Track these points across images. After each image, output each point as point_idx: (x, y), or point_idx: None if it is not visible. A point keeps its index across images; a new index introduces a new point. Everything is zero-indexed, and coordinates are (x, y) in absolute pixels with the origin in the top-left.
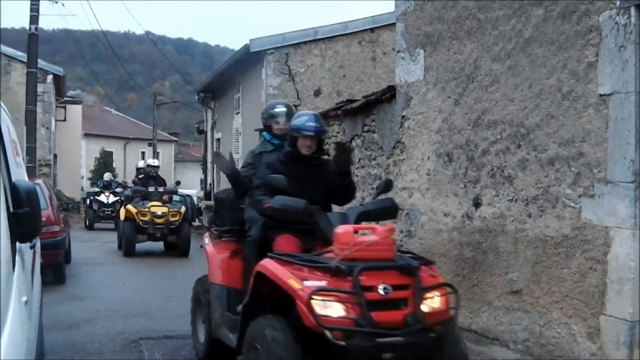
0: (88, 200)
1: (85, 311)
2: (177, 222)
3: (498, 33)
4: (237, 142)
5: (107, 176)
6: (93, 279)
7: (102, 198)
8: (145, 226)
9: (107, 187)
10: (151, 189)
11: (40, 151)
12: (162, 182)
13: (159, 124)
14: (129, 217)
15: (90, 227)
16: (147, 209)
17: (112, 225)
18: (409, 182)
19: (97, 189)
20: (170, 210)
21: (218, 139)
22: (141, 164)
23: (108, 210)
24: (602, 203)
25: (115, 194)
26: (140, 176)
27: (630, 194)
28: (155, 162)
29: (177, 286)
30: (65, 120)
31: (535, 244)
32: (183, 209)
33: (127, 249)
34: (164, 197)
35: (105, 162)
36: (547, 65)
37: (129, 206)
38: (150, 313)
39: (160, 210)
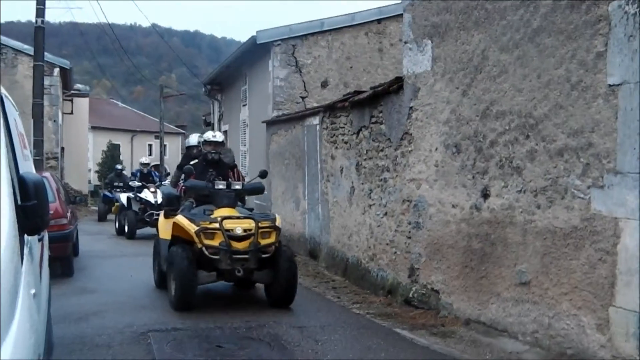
0: (125, 199)
1: (94, 304)
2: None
3: (506, 23)
4: (245, 134)
5: (144, 160)
6: (101, 272)
7: (147, 196)
8: (216, 256)
9: (146, 177)
10: (221, 185)
11: (48, 144)
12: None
13: (165, 117)
14: (180, 237)
15: (131, 236)
16: (216, 225)
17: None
18: (417, 174)
19: (134, 181)
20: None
21: (225, 131)
22: (194, 139)
23: (157, 214)
24: (611, 194)
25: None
26: (193, 162)
27: (639, 184)
28: (218, 137)
29: None
30: (72, 113)
31: (544, 235)
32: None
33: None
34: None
35: (112, 154)
36: (556, 55)
37: (181, 218)
38: (159, 306)
39: (240, 225)
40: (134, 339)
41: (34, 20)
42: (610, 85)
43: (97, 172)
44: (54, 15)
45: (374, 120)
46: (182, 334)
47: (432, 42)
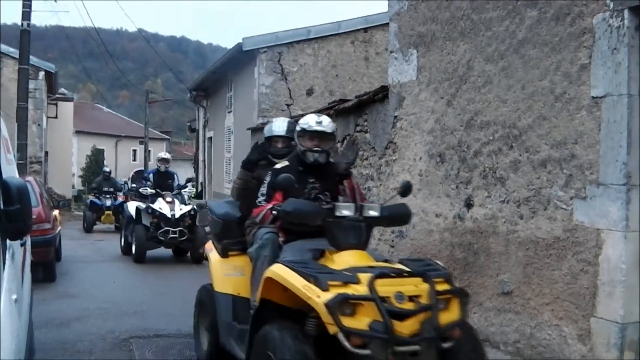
0: (133, 209)
1: (76, 309)
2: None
3: (492, 34)
4: (229, 140)
5: (163, 155)
6: (84, 277)
7: (162, 207)
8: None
9: (164, 179)
10: (346, 211)
11: (32, 148)
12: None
13: (150, 122)
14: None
15: (139, 258)
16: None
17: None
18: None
19: (145, 186)
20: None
21: (210, 138)
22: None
23: (174, 232)
24: (593, 205)
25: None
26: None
27: (622, 196)
28: (327, 125)
29: (168, 285)
30: (56, 117)
31: (527, 245)
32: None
33: None
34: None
35: (96, 159)
36: (540, 67)
37: (284, 269)
38: (141, 312)
39: (402, 288)
40: (116, 345)
41: (19, 23)
42: (593, 98)
43: (81, 176)
44: (40, 18)
45: (358, 128)
46: (164, 341)
47: (417, 52)
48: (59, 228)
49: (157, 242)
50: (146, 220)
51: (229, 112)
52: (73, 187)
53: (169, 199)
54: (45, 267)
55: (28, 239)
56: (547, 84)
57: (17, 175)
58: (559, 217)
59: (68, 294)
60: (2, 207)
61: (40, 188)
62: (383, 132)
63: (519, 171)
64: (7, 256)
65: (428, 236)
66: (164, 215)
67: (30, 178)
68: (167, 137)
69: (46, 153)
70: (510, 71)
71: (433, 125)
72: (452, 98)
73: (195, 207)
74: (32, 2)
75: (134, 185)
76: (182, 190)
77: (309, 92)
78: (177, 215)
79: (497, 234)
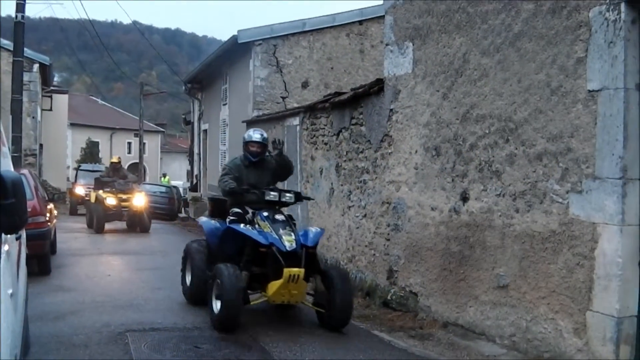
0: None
1: (71, 303)
2: None
3: (487, 27)
4: (224, 133)
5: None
6: (79, 270)
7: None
8: None
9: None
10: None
11: (26, 141)
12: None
13: (145, 114)
14: None
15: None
16: None
17: None
18: (397, 176)
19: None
20: None
21: (205, 130)
22: None
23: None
24: (589, 199)
25: None
26: None
27: (618, 190)
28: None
29: (163, 278)
30: (51, 109)
31: (523, 239)
32: None
33: None
34: None
35: (91, 152)
36: (537, 60)
37: None
38: (137, 305)
39: None
40: (112, 339)
41: (13, 15)
42: (590, 91)
43: (75, 169)
44: (34, 10)
45: (354, 121)
46: (159, 334)
47: (413, 45)
48: (54, 221)
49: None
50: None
51: (224, 104)
52: (68, 179)
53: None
54: (40, 261)
55: (23, 233)
56: (543, 78)
57: (12, 168)
58: (555, 210)
59: (63, 287)
60: None
61: (35, 181)
62: (379, 125)
63: (514, 165)
64: (3, 250)
65: (424, 229)
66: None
67: (25, 171)
68: (162, 129)
69: (41, 146)
70: (506, 64)
71: (429, 118)
72: (448, 91)
73: None
74: None
75: None
76: None
77: (304, 85)
78: None
79: (492, 227)
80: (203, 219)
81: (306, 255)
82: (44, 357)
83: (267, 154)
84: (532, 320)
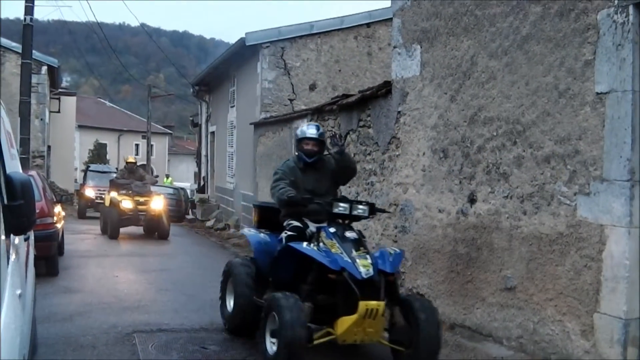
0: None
1: (79, 304)
2: None
3: (495, 30)
4: (232, 135)
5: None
6: (86, 272)
7: None
8: None
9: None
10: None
11: (34, 142)
12: None
13: (153, 117)
14: None
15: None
16: None
17: None
18: (404, 178)
19: None
20: None
21: (212, 132)
22: None
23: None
24: (597, 201)
25: None
26: None
27: (625, 192)
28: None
29: (170, 279)
30: (59, 111)
31: (530, 241)
32: None
33: None
34: None
35: (99, 153)
36: (544, 63)
37: None
38: (144, 306)
39: None
40: (119, 340)
41: (22, 18)
42: (597, 94)
43: (83, 171)
44: (43, 13)
45: (361, 124)
46: (167, 335)
47: (421, 47)
48: (62, 222)
49: None
50: None
51: (232, 106)
52: (75, 181)
53: None
54: (47, 262)
55: (31, 234)
56: (551, 80)
57: (20, 170)
58: (563, 212)
59: (70, 288)
60: (6, 202)
61: (43, 182)
62: (386, 128)
63: (522, 167)
64: (11, 251)
65: (431, 231)
66: None
67: (33, 172)
68: (170, 131)
69: (49, 147)
70: (514, 67)
71: (436, 120)
72: (456, 94)
73: None
74: None
75: None
76: None
77: (312, 87)
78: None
79: (500, 229)
80: (249, 232)
81: (385, 283)
82: (51, 357)
83: (326, 152)
84: (539, 322)
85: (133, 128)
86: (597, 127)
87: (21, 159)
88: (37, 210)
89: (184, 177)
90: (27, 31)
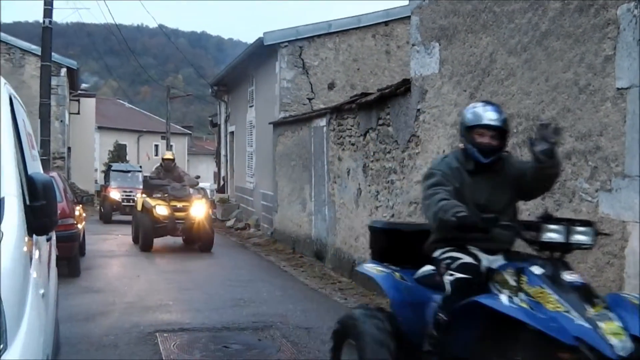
0: None
1: (101, 304)
2: None
3: (514, 26)
4: (251, 135)
5: None
6: (108, 272)
7: None
8: None
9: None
10: None
11: (54, 144)
12: None
13: (172, 117)
14: None
15: None
16: None
17: None
18: None
19: None
20: None
21: (232, 132)
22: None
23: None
24: (619, 197)
25: None
26: None
27: None
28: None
29: (192, 279)
30: (79, 113)
31: None
32: None
33: None
34: None
35: (119, 154)
36: (564, 59)
37: None
38: (166, 306)
39: None
40: (141, 339)
41: (41, 21)
42: (618, 89)
43: (103, 172)
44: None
45: (381, 122)
46: (189, 335)
47: (439, 45)
48: (83, 223)
49: None
50: None
51: (251, 106)
52: (96, 182)
53: None
54: (69, 262)
55: (53, 235)
56: (571, 76)
57: (41, 171)
58: (584, 209)
59: (92, 288)
60: (28, 203)
61: (64, 183)
62: (406, 126)
63: None
64: (34, 251)
65: None
66: None
67: (54, 173)
68: (189, 131)
69: (69, 149)
70: (533, 63)
71: (456, 118)
72: (475, 91)
73: None
74: None
75: None
76: None
77: (331, 86)
78: None
79: None
80: (374, 269)
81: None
82: (74, 357)
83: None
84: None
85: (152, 129)
86: (618, 123)
87: (42, 161)
88: (59, 211)
89: (203, 177)
90: (46, 34)
